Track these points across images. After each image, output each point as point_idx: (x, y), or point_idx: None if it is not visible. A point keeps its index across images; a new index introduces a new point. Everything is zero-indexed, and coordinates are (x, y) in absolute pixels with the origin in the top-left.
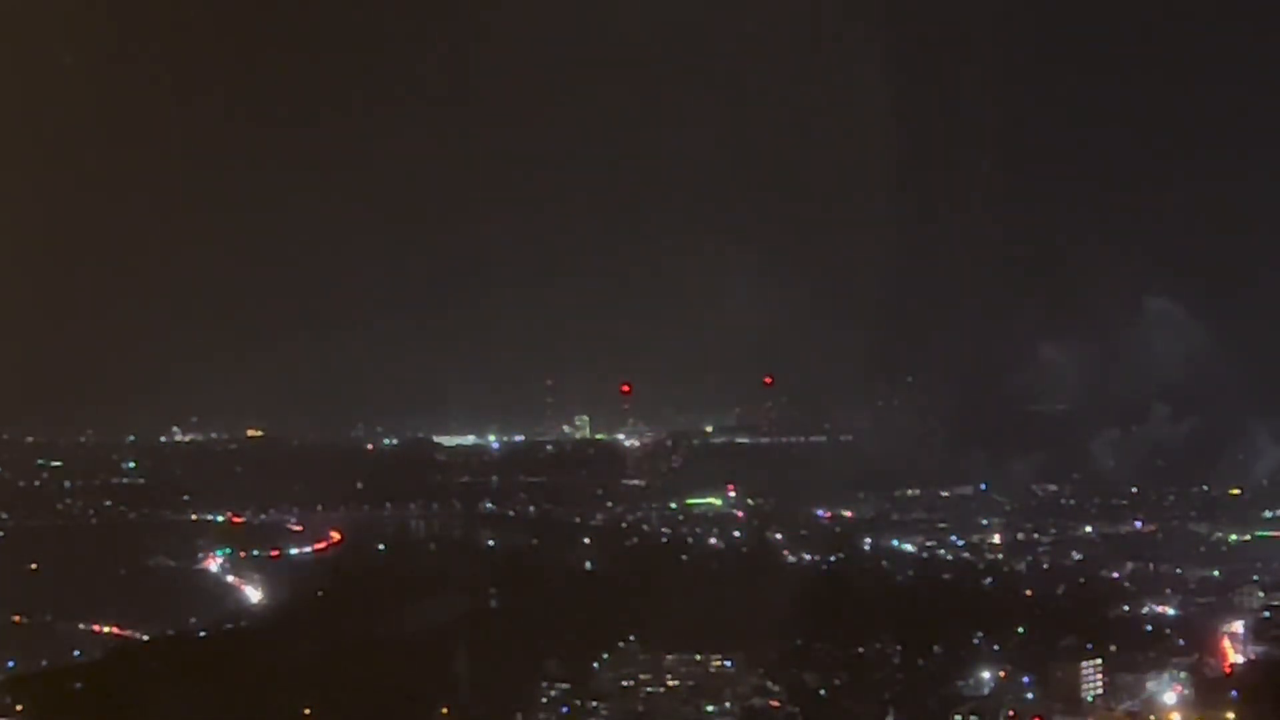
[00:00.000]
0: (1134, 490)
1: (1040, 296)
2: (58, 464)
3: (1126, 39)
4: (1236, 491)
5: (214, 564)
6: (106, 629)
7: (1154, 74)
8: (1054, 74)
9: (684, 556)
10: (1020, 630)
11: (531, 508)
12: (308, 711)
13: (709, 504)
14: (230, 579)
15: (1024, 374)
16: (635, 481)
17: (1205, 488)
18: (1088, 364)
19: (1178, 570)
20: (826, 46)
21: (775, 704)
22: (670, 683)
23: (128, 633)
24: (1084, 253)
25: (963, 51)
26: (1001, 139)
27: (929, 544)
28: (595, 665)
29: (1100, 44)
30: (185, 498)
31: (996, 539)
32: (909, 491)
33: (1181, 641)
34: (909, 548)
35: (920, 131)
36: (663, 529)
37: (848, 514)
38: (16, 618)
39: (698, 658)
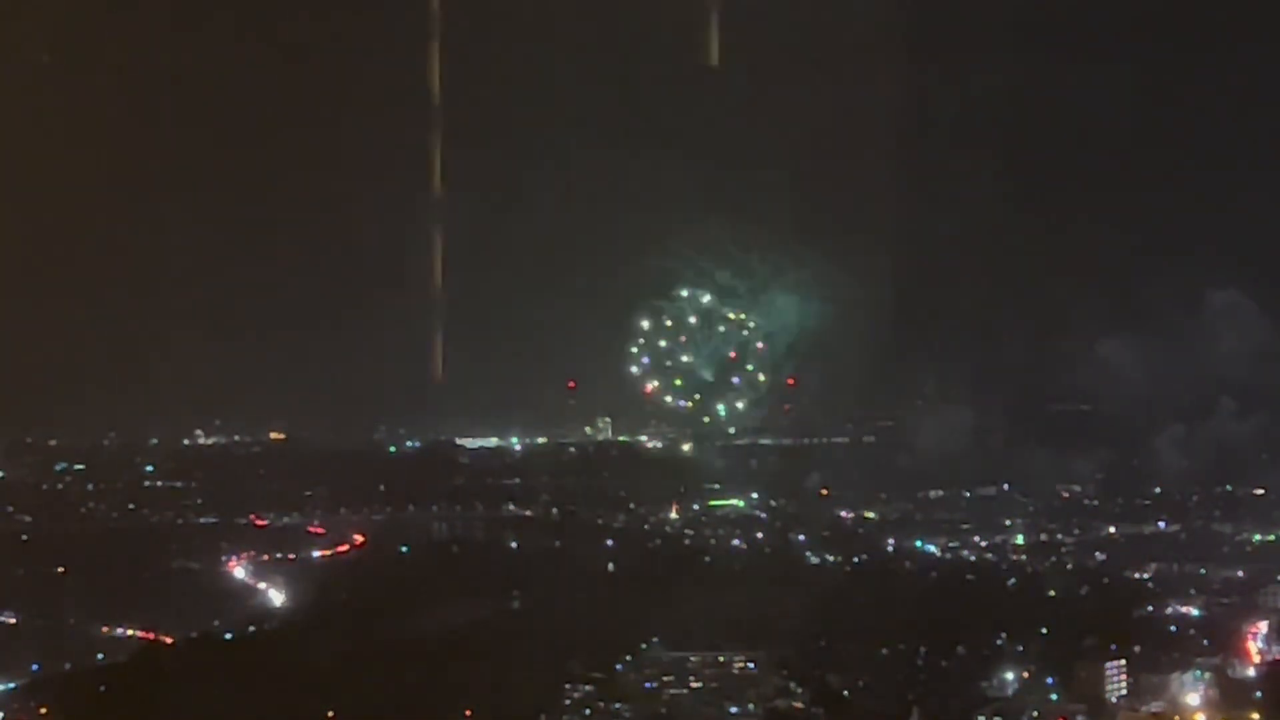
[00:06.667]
0: (1157, 490)
1: (1086, 293)
2: (80, 467)
3: (1186, 22)
4: (1260, 491)
5: (237, 567)
6: (130, 632)
7: (1218, 56)
8: (1111, 55)
9: (707, 558)
10: (1043, 631)
11: (554, 510)
12: (331, 713)
13: (732, 505)
14: (253, 582)
15: (1062, 373)
16: (657, 483)
17: (1229, 487)
18: (1132, 362)
19: (1202, 570)
20: (866, 34)
21: (798, 705)
22: (693, 684)
23: (151, 635)
24: (1138, 245)
25: (1011, 37)
26: (1050, 125)
27: (952, 545)
28: (619, 667)
29: (1159, 27)
30: (208, 501)
31: (1020, 540)
32: (932, 492)
33: (1206, 642)
34: (932, 549)
35: (955, 122)
36: (685, 531)
37: (871, 515)
38: (40, 621)
39: (721, 659)
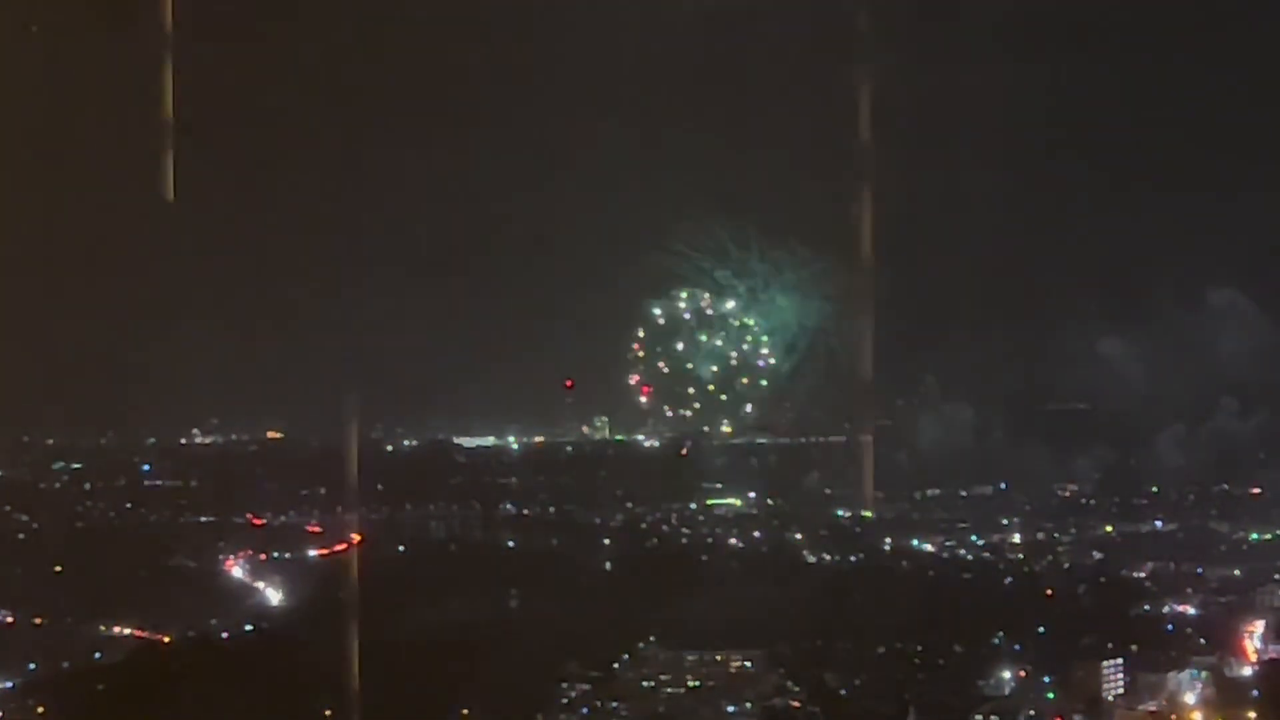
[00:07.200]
0: (1155, 489)
1: (1086, 292)
2: (78, 466)
3: (1186, 20)
4: (1258, 490)
5: (235, 565)
6: (127, 631)
7: (1218, 54)
8: (1111, 53)
9: (704, 557)
10: (1041, 630)
11: (551, 509)
12: (328, 713)
13: (729, 504)
14: (251, 580)
15: (1061, 372)
16: (654, 482)
17: (1226, 486)
18: (1131, 362)
19: (1199, 569)
20: (862, 28)
21: (796, 704)
22: (690, 683)
23: (149, 634)
24: (1140, 243)
25: (1009, 34)
26: (1050, 123)
27: (949, 544)
28: (616, 666)
29: (1159, 25)
30: (205, 499)
31: (1017, 538)
32: (929, 492)
33: (1203, 641)
34: (929, 548)
35: (955, 119)
36: (683, 530)
37: (867, 514)
38: (37, 619)
39: (718, 658)
